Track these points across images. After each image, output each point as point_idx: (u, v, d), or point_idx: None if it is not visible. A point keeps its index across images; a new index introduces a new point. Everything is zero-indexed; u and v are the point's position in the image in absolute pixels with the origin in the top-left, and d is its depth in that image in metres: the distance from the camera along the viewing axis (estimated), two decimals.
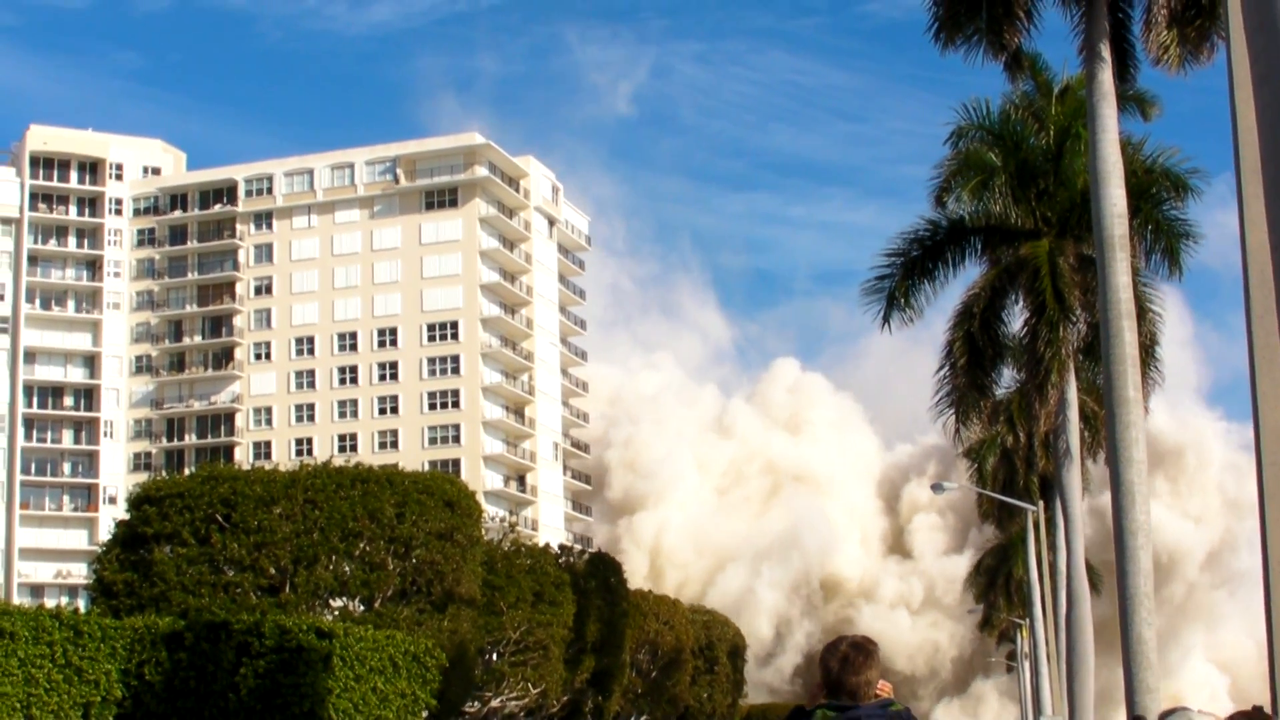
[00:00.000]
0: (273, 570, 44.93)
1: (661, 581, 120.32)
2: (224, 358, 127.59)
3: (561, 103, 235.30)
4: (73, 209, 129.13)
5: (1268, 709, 8.11)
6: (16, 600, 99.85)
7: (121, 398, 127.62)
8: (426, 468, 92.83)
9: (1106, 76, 22.43)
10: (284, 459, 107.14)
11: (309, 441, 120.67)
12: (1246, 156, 11.14)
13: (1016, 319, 31.41)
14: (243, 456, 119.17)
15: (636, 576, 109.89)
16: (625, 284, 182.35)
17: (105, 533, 70.09)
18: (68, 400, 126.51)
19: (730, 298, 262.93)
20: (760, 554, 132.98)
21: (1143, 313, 28.12)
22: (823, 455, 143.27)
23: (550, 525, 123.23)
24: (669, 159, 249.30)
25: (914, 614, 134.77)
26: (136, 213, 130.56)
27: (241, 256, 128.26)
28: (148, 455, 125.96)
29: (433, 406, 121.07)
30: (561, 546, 69.30)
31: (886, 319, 30.30)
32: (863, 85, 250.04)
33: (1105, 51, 22.45)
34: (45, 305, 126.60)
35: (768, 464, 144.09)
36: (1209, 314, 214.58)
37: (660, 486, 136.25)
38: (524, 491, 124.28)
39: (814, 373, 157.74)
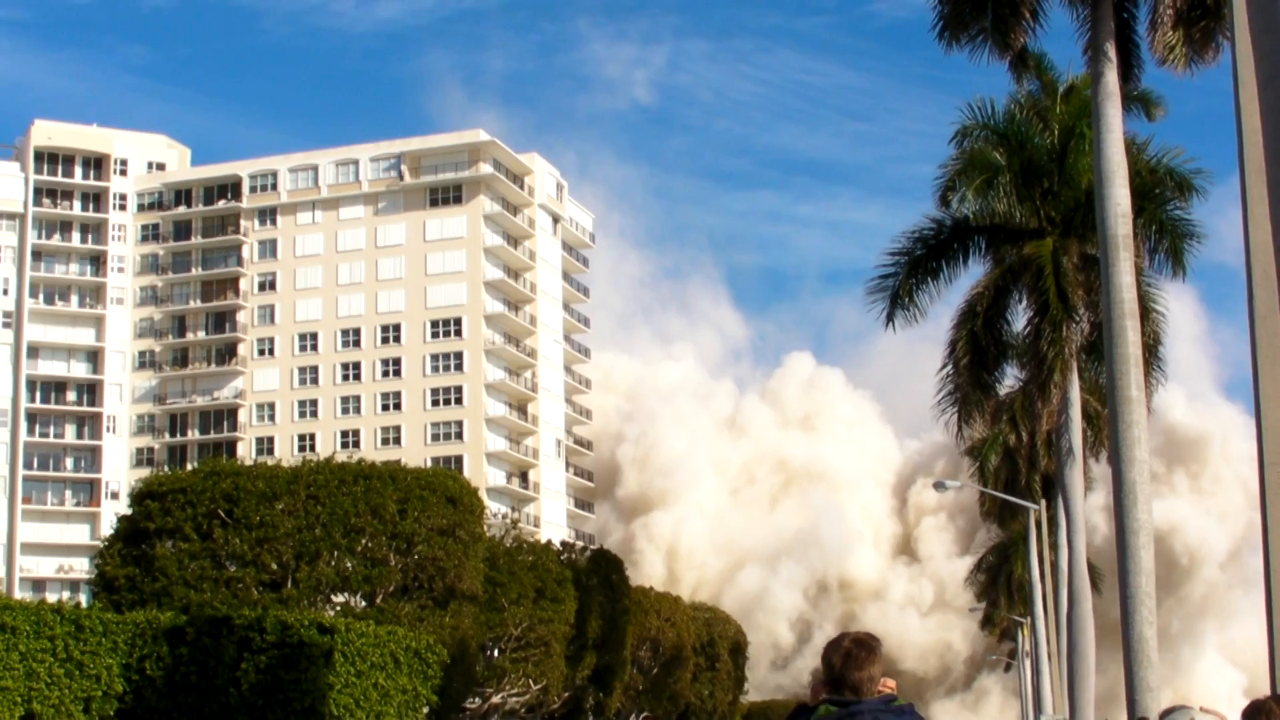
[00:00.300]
0: (274, 565, 44.97)
1: (678, 583, 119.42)
2: (227, 353, 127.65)
3: (569, 100, 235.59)
4: (77, 204, 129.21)
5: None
6: (18, 595, 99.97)
7: (124, 393, 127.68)
8: (429, 464, 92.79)
9: (1112, 76, 22.40)
10: (287, 455, 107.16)
11: (312, 437, 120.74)
12: (1251, 157, 11.13)
13: (1020, 318, 31.44)
14: (245, 452, 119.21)
15: (654, 577, 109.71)
16: (637, 279, 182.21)
17: (107, 528, 70.06)
18: (70, 395, 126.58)
19: (743, 295, 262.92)
20: (777, 553, 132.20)
21: (1146, 312, 28.11)
22: (838, 452, 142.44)
23: (552, 522, 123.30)
24: (676, 156, 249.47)
25: (923, 615, 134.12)
26: (141, 208, 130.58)
27: (245, 252, 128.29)
28: (150, 450, 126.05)
29: (435, 403, 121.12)
30: (563, 543, 69.36)
31: (890, 318, 30.31)
32: (870, 85, 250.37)
33: (1111, 51, 22.42)
34: (49, 300, 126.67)
35: (781, 461, 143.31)
36: (1223, 310, 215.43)
37: (677, 485, 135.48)
38: (526, 488, 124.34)
39: (828, 367, 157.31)
